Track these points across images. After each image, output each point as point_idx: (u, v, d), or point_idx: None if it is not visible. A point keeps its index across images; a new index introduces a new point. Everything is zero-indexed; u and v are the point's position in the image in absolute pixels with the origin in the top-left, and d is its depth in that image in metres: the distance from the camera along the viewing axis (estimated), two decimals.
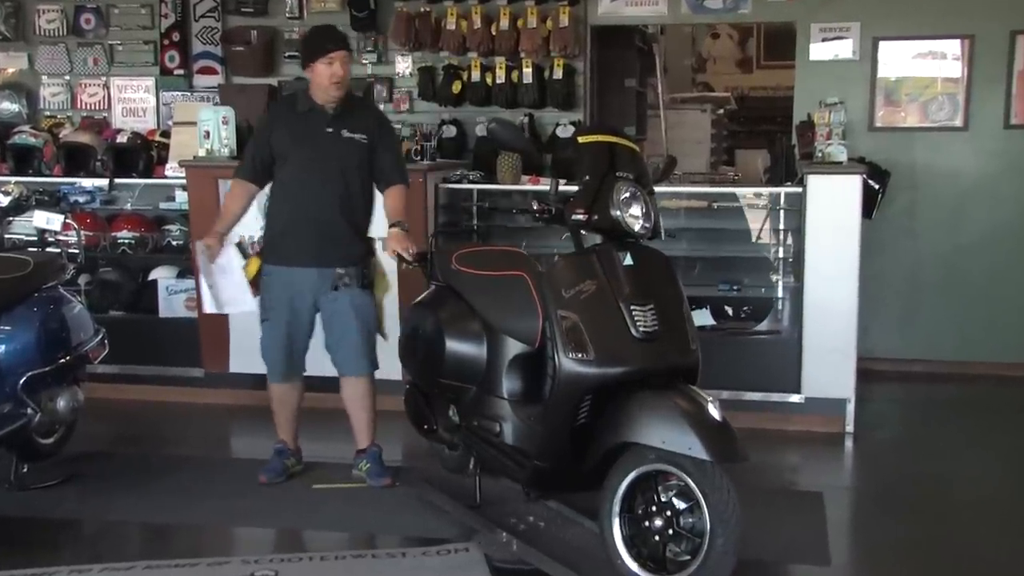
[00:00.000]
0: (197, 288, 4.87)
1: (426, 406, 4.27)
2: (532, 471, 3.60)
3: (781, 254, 5.83)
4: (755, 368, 5.61)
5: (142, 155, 6.31)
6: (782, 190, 5.76)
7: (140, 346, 6.04)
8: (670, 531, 3.27)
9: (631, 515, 3.35)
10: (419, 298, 4.34)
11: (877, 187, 6.34)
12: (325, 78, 4.37)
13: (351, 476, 4.57)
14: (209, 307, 4.72)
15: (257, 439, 5.29)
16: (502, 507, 4.12)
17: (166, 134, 6.57)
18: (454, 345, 3.99)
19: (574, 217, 3.52)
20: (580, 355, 3.34)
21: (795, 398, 5.52)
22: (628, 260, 3.43)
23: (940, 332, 6.80)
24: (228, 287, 4.57)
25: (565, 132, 6.95)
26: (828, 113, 5.69)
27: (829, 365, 5.44)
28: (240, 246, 4.64)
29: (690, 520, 3.24)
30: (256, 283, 4.54)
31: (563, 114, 7.11)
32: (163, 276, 6.27)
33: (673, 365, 3.38)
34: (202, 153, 5.87)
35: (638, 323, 3.31)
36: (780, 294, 5.88)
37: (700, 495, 3.17)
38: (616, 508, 3.33)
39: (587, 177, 3.53)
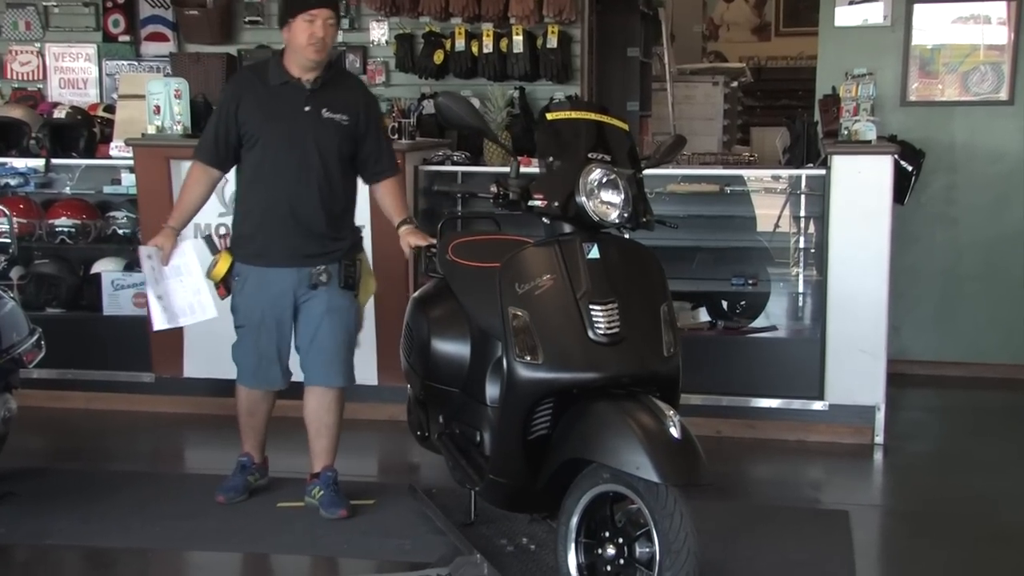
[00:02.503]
0: (148, 303, 4.60)
1: (422, 412, 4.28)
2: (487, 485, 3.60)
3: (802, 244, 5.84)
4: (773, 372, 5.63)
5: (83, 132, 6.28)
6: (803, 172, 5.76)
7: (82, 348, 6.03)
8: (621, 561, 3.26)
9: (589, 541, 3.35)
10: (417, 292, 4.34)
11: (910, 169, 6.35)
12: (303, 38, 4.23)
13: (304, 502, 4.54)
14: (160, 323, 4.48)
15: (214, 452, 5.28)
16: (498, 525, 4.12)
17: (110, 109, 6.56)
18: (439, 344, 4.00)
19: (531, 203, 3.49)
20: (528, 358, 3.33)
21: (818, 405, 5.53)
22: (593, 253, 3.41)
23: (981, 331, 6.82)
24: (183, 292, 4.42)
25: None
26: (855, 86, 5.69)
27: (856, 368, 5.45)
28: (208, 240, 4.52)
29: (646, 549, 3.21)
30: (227, 283, 4.41)
31: (558, 87, 7.11)
32: (108, 269, 6.25)
33: (638, 373, 3.35)
34: (151, 130, 5.85)
35: (596, 324, 3.30)
36: (801, 289, 5.88)
37: (651, 521, 3.15)
38: (571, 533, 3.32)
39: (551, 159, 3.52)
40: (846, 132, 5.59)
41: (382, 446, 5.60)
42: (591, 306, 3.31)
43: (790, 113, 7.13)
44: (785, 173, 5.90)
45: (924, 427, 6.05)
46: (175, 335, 5.82)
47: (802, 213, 5.81)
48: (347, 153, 4.40)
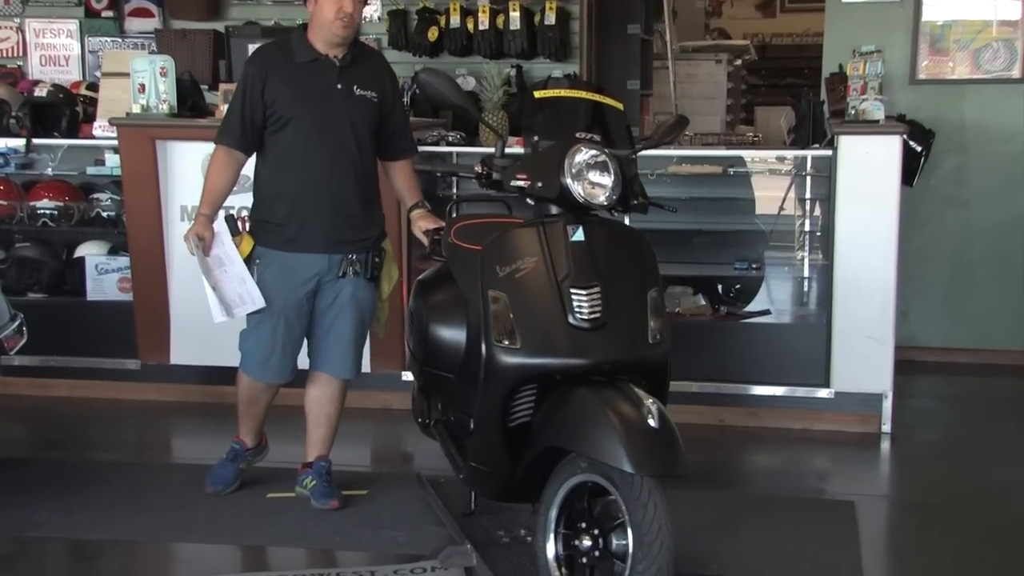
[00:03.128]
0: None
1: (424, 399, 4.29)
2: (469, 473, 3.61)
3: (807, 227, 5.84)
4: (777, 359, 5.64)
5: (65, 111, 6.25)
6: (809, 153, 5.75)
7: (65, 334, 6.02)
8: (596, 553, 3.27)
9: (569, 532, 3.36)
10: (422, 276, 4.36)
11: (920, 149, 6.34)
12: (330, 13, 4.15)
13: (295, 492, 4.53)
14: (219, 315, 4.28)
15: (202, 441, 5.29)
16: (499, 517, 4.14)
17: (93, 87, 6.54)
18: (436, 328, 4.01)
19: (514, 183, 3.49)
20: (506, 343, 3.34)
21: (823, 393, 5.54)
22: (578, 235, 3.41)
23: (991, 317, 6.82)
24: (230, 283, 4.31)
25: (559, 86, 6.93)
26: (863, 64, 5.68)
27: (863, 355, 5.45)
28: (230, 221, 4.38)
29: (622, 541, 3.21)
30: (248, 267, 4.31)
31: (556, 65, 7.10)
32: (91, 253, 6.24)
33: (621, 360, 3.35)
34: (136, 109, 5.83)
35: (576, 309, 3.30)
36: (806, 273, 5.89)
37: (625, 512, 3.15)
38: (550, 523, 3.33)
39: (536, 138, 3.52)
40: (853, 111, 5.58)
41: (375, 435, 5.61)
42: (572, 290, 3.32)
43: (795, 92, 7.13)
44: (790, 154, 5.90)
45: (932, 415, 6.06)
46: (161, 321, 5.83)
47: (808, 195, 5.81)
48: (374, 131, 4.37)
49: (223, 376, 4.84)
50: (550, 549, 3.33)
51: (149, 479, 4.85)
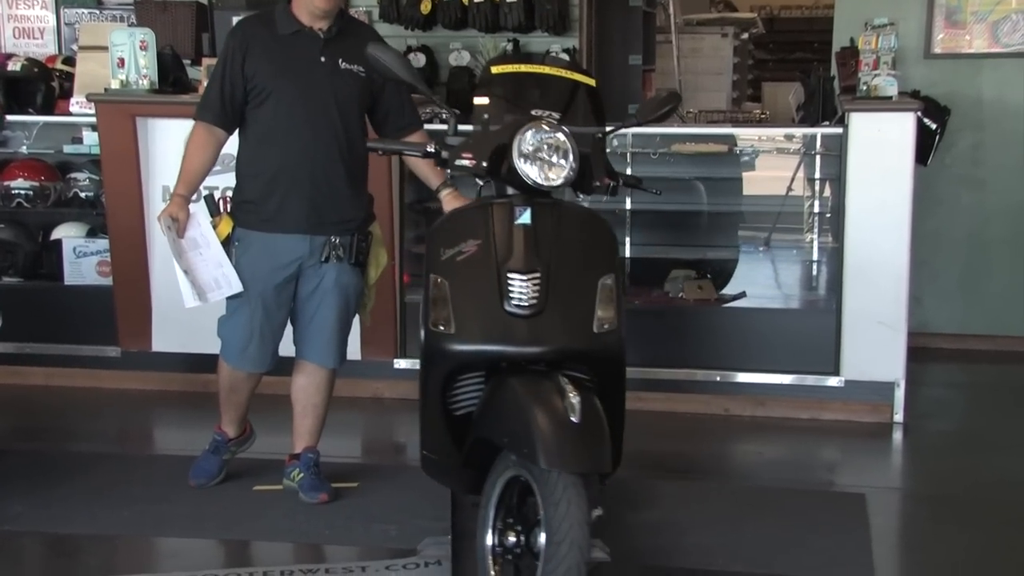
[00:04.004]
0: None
1: None
2: (422, 460, 3.63)
3: (817, 208, 5.84)
4: (785, 346, 5.64)
5: (40, 87, 6.25)
6: (819, 131, 5.76)
7: (42, 320, 6.03)
8: (518, 550, 3.27)
9: (505, 526, 3.35)
10: None
11: (934, 127, 6.35)
12: None
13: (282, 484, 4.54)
14: (191, 300, 4.34)
15: (185, 431, 5.29)
16: None
17: (70, 61, 6.51)
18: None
19: (459, 162, 3.49)
20: (441, 328, 3.34)
21: (833, 381, 5.55)
22: (524, 218, 3.38)
23: (1009, 302, 6.83)
24: (205, 266, 4.30)
25: None
26: (875, 37, 5.68)
27: (874, 342, 5.46)
28: (209, 200, 4.40)
29: (541, 539, 3.17)
30: (226, 250, 4.31)
31: (555, 39, 7.08)
32: (69, 235, 6.23)
33: (560, 350, 3.32)
34: (115, 85, 5.82)
35: (512, 295, 3.29)
36: (815, 256, 5.89)
37: (541, 510, 3.13)
38: (488, 517, 3.32)
39: (485, 115, 3.51)
40: (865, 87, 5.58)
41: (365, 425, 5.62)
42: (510, 275, 3.30)
43: (805, 67, 7.15)
44: (799, 132, 5.90)
45: (947, 405, 6.07)
46: (143, 307, 5.83)
47: (817, 175, 5.82)
48: (364, 107, 4.35)
49: (207, 364, 4.84)
50: (488, 543, 3.33)
51: (130, 471, 4.85)
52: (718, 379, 5.63)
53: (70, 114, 6.17)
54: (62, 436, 5.42)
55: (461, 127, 3.62)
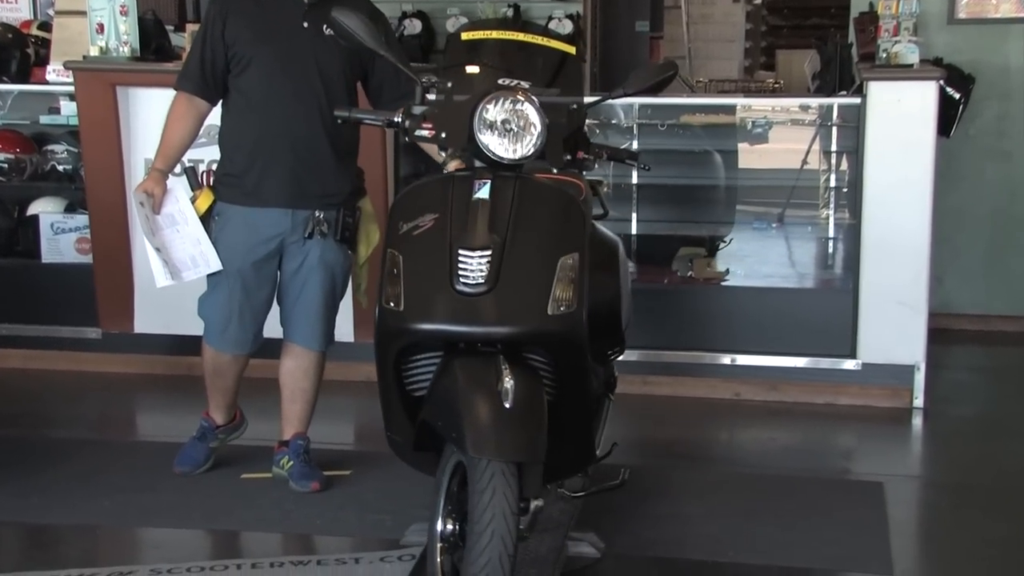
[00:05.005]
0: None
1: None
2: (387, 439, 3.64)
3: (833, 183, 5.83)
4: (799, 327, 5.65)
5: (14, 54, 6.24)
6: (835, 101, 5.75)
7: (18, 300, 6.03)
8: (452, 538, 3.28)
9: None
10: None
11: (958, 96, 6.34)
12: None
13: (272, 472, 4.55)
14: (163, 279, 4.36)
15: (170, 417, 5.29)
16: None
17: (46, 27, 6.49)
18: None
19: (418, 132, 3.49)
20: (391, 304, 3.34)
21: (850, 364, 5.56)
22: (482, 192, 3.35)
23: None
24: (182, 243, 4.32)
25: (562, 29, 6.91)
26: (896, 2, 5.66)
27: (893, 323, 5.47)
28: (190, 173, 4.43)
29: None
30: (206, 224, 4.33)
31: (557, 4, 7.06)
32: (46, 211, 6.23)
33: (509, 331, 3.29)
34: (95, 52, 5.81)
35: (460, 273, 3.27)
36: (831, 234, 5.89)
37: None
38: (439, 503, 3.32)
39: (449, 83, 3.50)
40: (885, 55, 5.56)
41: (358, 411, 5.61)
42: (460, 251, 3.29)
43: (821, 34, 7.12)
44: (815, 102, 5.90)
45: (969, 389, 6.08)
46: (125, 287, 5.83)
47: (834, 148, 5.81)
48: (354, 76, 4.35)
49: (192, 346, 4.83)
50: (437, 528, 3.32)
51: (112, 458, 4.85)
52: (728, 362, 5.64)
53: (47, 83, 6.16)
54: (40, 422, 5.43)
55: (461, 97, 3.57)
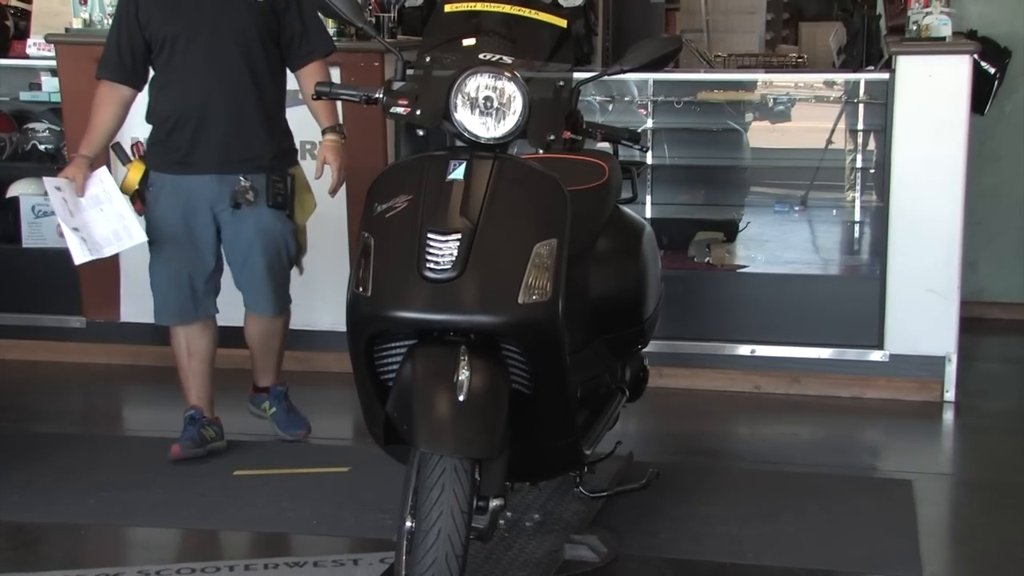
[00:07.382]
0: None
1: None
2: (369, 432, 3.66)
3: (860, 163, 5.83)
4: (823, 316, 5.64)
5: None
6: (862, 76, 5.74)
7: None
8: (410, 536, 3.29)
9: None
10: None
11: (993, 72, 6.32)
12: None
13: (249, 414, 4.78)
14: (82, 255, 4.51)
15: (157, 410, 5.30)
16: (523, 496, 4.12)
17: None
18: None
19: (394, 109, 3.48)
20: (361, 289, 3.35)
21: (877, 356, 5.56)
22: (457, 173, 3.35)
23: None
24: (105, 221, 4.53)
25: (570, 2, 6.91)
26: None
27: (923, 312, 5.46)
28: (117, 149, 4.63)
29: None
30: (142, 195, 4.56)
31: None
32: (27, 192, 6.23)
33: (477, 319, 3.28)
34: (78, 25, 5.82)
35: (427, 258, 3.27)
36: (858, 217, 5.89)
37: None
38: (407, 499, 3.29)
39: (427, 58, 3.51)
40: (915, 27, 5.55)
41: (356, 404, 5.58)
42: (429, 235, 3.28)
43: (847, 5, 7.10)
44: (840, 78, 5.89)
45: (1003, 382, 6.09)
46: (110, 273, 5.83)
47: (860, 126, 5.81)
48: (271, 36, 4.53)
49: None
50: (405, 526, 3.33)
51: (97, 453, 4.87)
52: (748, 353, 5.64)
53: (27, 57, 6.16)
54: (21, 415, 5.43)
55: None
